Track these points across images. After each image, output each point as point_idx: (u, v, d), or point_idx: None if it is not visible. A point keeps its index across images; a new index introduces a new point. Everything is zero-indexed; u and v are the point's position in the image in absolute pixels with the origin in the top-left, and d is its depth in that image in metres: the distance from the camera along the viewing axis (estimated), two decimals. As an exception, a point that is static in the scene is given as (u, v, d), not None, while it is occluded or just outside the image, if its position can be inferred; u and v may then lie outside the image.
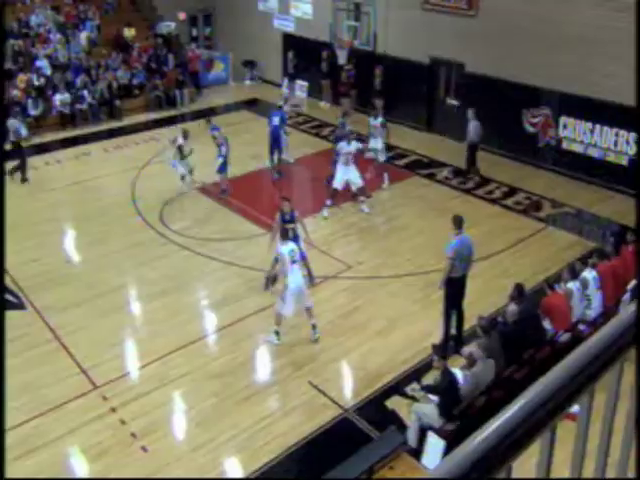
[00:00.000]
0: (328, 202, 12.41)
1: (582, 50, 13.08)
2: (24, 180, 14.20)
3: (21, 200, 13.19)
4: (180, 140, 13.27)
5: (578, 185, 13.66)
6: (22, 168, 14.24)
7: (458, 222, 8.23)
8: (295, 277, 8.50)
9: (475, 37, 15.15)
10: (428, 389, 7.17)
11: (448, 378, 6.79)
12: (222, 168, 13.20)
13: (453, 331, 8.56)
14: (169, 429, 7.43)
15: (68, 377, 8.11)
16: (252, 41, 21.62)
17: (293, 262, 8.53)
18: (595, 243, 11.38)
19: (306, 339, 8.83)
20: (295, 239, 9.58)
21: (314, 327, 8.75)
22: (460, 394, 6.81)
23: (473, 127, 13.51)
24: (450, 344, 8.43)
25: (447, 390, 6.75)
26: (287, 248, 8.62)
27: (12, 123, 14.34)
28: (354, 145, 12.25)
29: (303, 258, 9.64)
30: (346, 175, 12.19)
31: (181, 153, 13.26)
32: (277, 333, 8.72)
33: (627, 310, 1.24)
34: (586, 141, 13.72)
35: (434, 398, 6.91)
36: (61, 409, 7.57)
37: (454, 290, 8.30)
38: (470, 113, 13.56)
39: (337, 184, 12.27)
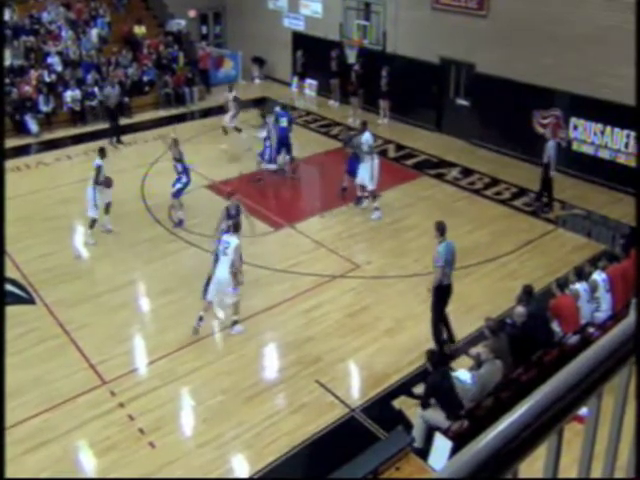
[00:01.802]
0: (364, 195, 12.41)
1: (593, 51, 13.01)
2: (119, 142, 16.16)
3: (31, 196, 13.29)
4: (97, 161, 11.48)
5: (588, 187, 13.60)
6: (114, 133, 16.15)
7: (441, 229, 8.17)
8: (221, 269, 8.67)
9: (485, 37, 15.10)
10: (422, 398, 7.14)
11: (440, 375, 6.83)
12: (179, 194, 12.07)
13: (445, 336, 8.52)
14: (177, 425, 7.47)
15: (77, 372, 8.17)
16: (262, 39, 21.64)
17: (224, 254, 8.68)
18: (605, 245, 11.33)
19: (314, 338, 8.84)
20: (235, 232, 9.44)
21: (235, 322, 8.93)
22: (455, 390, 6.83)
23: (550, 147, 12.36)
24: (446, 350, 8.38)
25: (439, 385, 6.77)
26: (225, 237, 8.80)
27: (108, 91, 16.65)
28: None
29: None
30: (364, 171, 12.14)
31: (97, 176, 11.31)
32: (201, 318, 8.82)
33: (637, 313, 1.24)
34: (596, 142, 13.65)
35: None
36: (70, 404, 7.62)
37: (445, 298, 8.22)
38: (547, 132, 12.84)
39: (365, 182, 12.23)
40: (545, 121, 14.48)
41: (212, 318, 9.61)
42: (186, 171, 12.10)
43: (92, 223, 11.43)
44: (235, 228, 8.93)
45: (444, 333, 8.49)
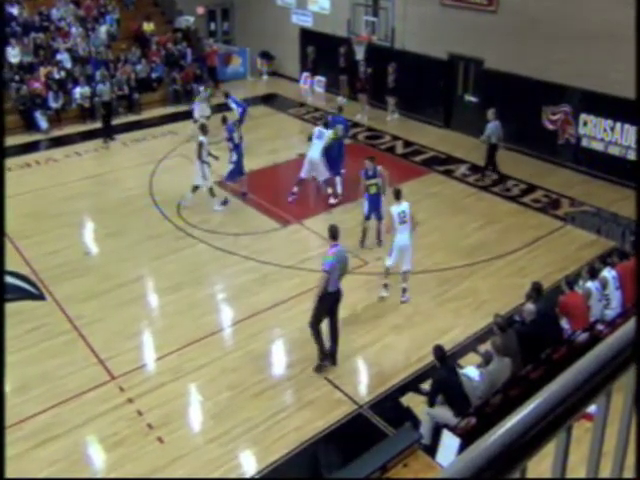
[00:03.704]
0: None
1: (603, 46, 12.90)
2: (109, 139, 16.12)
3: (41, 192, 13.36)
4: (200, 137, 12.23)
5: (598, 183, 13.51)
6: (106, 129, 16.21)
7: (333, 233, 7.88)
8: (402, 236, 9.22)
9: (495, 33, 15.02)
10: (429, 395, 7.14)
11: (448, 371, 6.82)
12: (234, 174, 12.69)
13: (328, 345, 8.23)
14: (185, 421, 7.50)
15: (86, 367, 8.22)
16: (270, 36, 21.63)
17: (402, 222, 9.18)
18: (614, 242, 11.26)
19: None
20: (378, 194, 10.64)
21: (404, 291, 9.47)
22: (463, 386, 6.83)
23: (493, 127, 12.96)
24: (327, 361, 8.13)
25: (446, 381, 6.77)
26: (398, 209, 9.22)
27: (101, 88, 16.59)
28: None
29: (378, 216, 10.78)
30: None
31: (200, 152, 12.12)
32: (385, 286, 9.57)
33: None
34: (606, 139, 13.57)
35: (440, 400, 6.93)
36: (79, 399, 7.67)
37: (327, 305, 7.87)
38: (490, 113, 13.04)
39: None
40: (554, 117, 14.41)
41: (221, 315, 9.65)
42: (237, 148, 12.51)
43: (194, 189, 12.29)
44: (397, 196, 9.35)
45: (326, 340, 8.10)
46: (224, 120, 13.03)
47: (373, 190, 10.66)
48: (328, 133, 12.47)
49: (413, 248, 9.47)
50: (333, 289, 7.83)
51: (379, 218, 10.83)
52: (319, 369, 8.07)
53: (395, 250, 9.29)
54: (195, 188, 12.32)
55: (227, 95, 15.44)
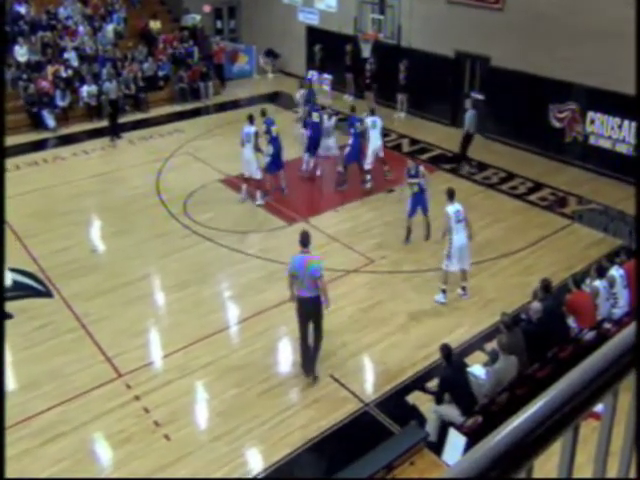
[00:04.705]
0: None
1: (611, 43, 12.81)
2: (115, 137, 16.12)
3: (48, 190, 13.41)
4: (249, 128, 12.15)
5: (605, 181, 13.44)
6: (113, 127, 16.23)
7: (303, 240, 7.77)
8: (459, 236, 9.11)
9: (501, 31, 14.96)
10: (436, 394, 7.13)
11: (455, 369, 6.81)
12: (272, 167, 12.67)
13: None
14: (191, 419, 7.52)
15: (93, 365, 8.25)
16: (276, 34, 21.62)
17: (458, 222, 9.09)
18: (622, 241, 11.21)
19: (327, 332, 8.82)
20: (421, 192, 10.79)
21: (464, 289, 9.46)
22: (470, 385, 6.81)
23: (471, 116, 13.68)
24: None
25: (453, 379, 6.76)
26: (453, 208, 9.14)
27: (107, 86, 16.64)
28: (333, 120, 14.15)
29: (424, 210, 10.87)
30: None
31: (256, 142, 12.13)
32: (444, 291, 9.38)
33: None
34: (614, 137, 13.49)
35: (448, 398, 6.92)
36: (86, 396, 7.70)
37: (300, 309, 7.83)
38: (467, 102, 13.83)
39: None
40: (562, 115, 14.34)
41: (227, 313, 9.67)
42: (273, 141, 12.52)
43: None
44: (450, 196, 9.29)
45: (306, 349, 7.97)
46: (263, 113, 13.02)
47: (415, 189, 10.82)
48: (380, 121, 13.11)
49: (424, 247, 9.40)
50: (301, 295, 7.71)
51: (426, 213, 10.93)
52: (303, 371, 8.05)
53: (455, 251, 9.15)
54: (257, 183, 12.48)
55: (307, 87, 15.79)
